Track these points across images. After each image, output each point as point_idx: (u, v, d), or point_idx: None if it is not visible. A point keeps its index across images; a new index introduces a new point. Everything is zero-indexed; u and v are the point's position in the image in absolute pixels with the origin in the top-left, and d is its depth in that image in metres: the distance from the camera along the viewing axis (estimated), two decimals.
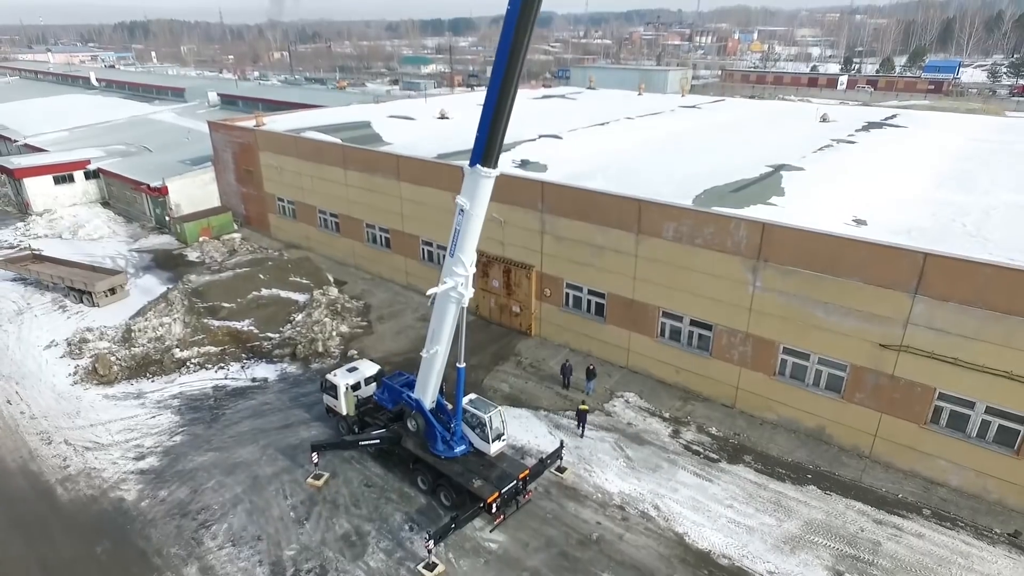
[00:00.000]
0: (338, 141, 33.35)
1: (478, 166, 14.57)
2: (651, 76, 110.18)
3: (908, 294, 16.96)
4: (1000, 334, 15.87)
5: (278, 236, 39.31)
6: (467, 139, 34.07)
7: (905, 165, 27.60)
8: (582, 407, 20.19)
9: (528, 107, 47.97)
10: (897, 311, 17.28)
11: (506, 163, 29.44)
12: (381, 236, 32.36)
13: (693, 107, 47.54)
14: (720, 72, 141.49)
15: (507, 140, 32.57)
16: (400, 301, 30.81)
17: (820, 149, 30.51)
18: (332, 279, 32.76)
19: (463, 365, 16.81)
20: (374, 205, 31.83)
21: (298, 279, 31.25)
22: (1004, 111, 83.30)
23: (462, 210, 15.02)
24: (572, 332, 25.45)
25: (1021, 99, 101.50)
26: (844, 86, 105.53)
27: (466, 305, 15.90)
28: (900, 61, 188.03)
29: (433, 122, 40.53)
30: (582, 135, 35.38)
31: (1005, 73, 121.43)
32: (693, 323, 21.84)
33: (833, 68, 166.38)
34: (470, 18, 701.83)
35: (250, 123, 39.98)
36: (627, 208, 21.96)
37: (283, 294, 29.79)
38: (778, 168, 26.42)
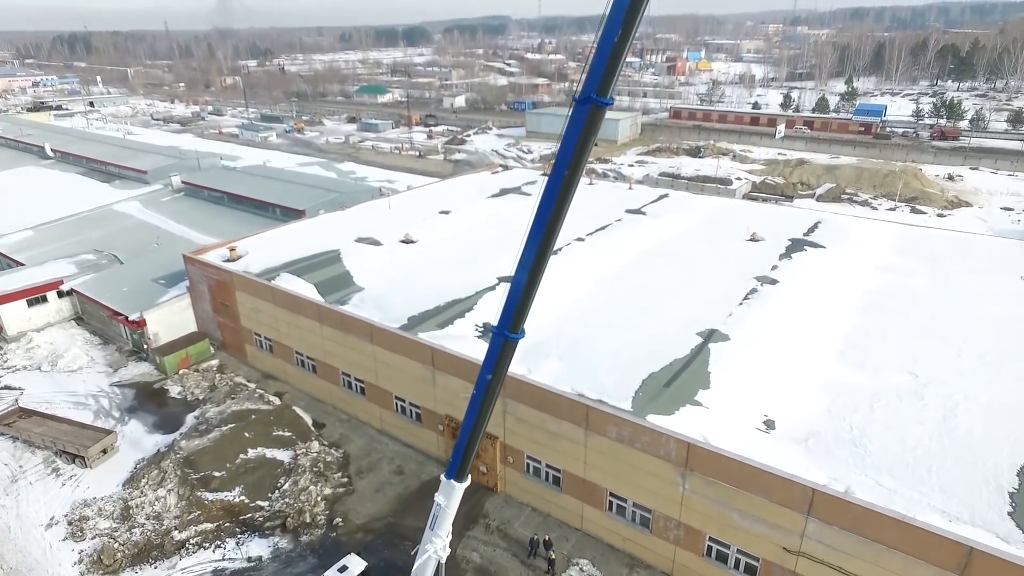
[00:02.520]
0: (313, 296, 35.98)
1: (452, 481, 17.63)
2: (604, 125, 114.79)
3: (803, 514, 20.96)
4: (870, 554, 19.97)
5: (255, 365, 41.68)
6: (434, 282, 37.16)
7: (815, 321, 31.95)
8: None
9: (482, 214, 51.00)
10: (795, 525, 21.27)
11: (469, 325, 32.74)
12: (356, 384, 35.22)
13: (639, 212, 51.49)
14: (669, 109, 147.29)
15: (467, 290, 35.82)
16: (377, 449, 33.77)
17: (745, 298, 34.66)
18: (311, 424, 35.52)
19: None
20: (349, 358, 34.67)
21: (281, 432, 33.87)
22: (920, 166, 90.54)
23: (439, 504, 18.12)
24: (533, 495, 28.92)
25: (939, 145, 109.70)
26: (782, 134, 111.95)
27: (444, 559, 19.08)
28: (836, 86, 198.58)
29: (399, 250, 43.31)
30: None
31: (927, 115, 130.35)
32: (635, 505, 25.56)
33: (775, 96, 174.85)
34: (423, 27, 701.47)
35: (223, 253, 42.25)
36: (577, 409, 25.52)
37: (268, 454, 32.39)
38: (707, 338, 30.38)
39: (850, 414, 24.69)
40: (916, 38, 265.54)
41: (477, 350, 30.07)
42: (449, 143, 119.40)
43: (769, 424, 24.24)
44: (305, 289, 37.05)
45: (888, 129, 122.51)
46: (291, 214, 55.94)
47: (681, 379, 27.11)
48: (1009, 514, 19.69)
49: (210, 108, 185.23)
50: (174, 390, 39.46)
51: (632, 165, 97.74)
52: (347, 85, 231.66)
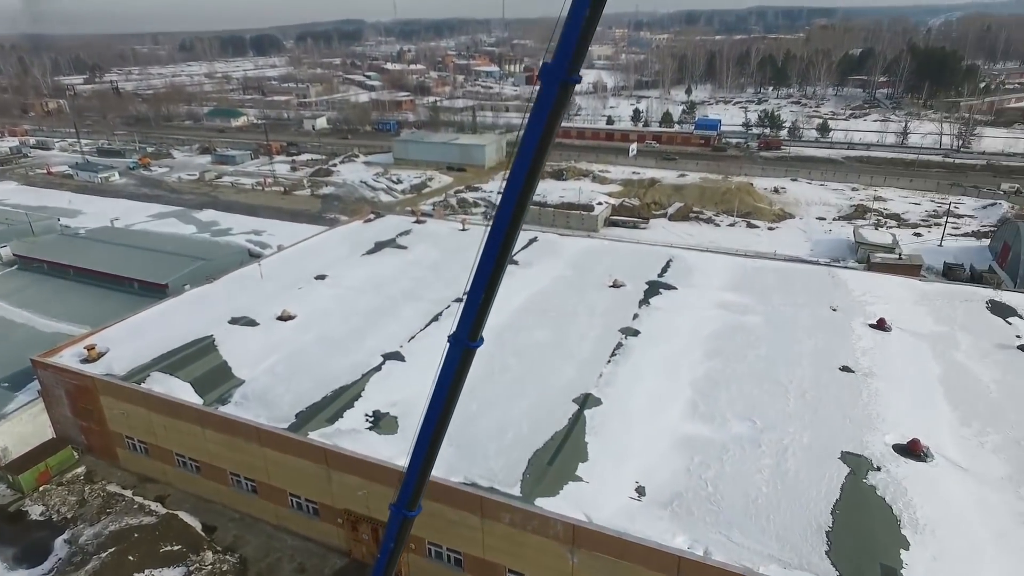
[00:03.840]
0: (191, 399, 34.85)
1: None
2: (469, 150, 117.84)
3: None
4: None
5: (129, 468, 39.39)
6: (318, 366, 37.20)
7: (671, 372, 36.16)
8: None
9: (358, 277, 51.01)
10: None
11: (359, 415, 33.48)
12: (247, 483, 34.68)
13: (511, 261, 54.24)
14: None
15: (353, 373, 36.29)
16: (275, 547, 33.55)
17: (613, 355, 38.29)
18: (201, 529, 34.49)
19: None
20: (237, 459, 34.07)
21: (170, 547, 32.64)
22: (752, 179, 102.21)
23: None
24: None
25: (766, 155, 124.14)
26: (635, 152, 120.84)
27: None
28: (678, 94, 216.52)
29: (278, 329, 42.68)
30: (416, 351, 39.71)
31: (754, 124, 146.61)
32: None
33: (626, 107, 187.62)
34: (273, 33, 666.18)
35: (79, 351, 39.45)
36: (471, 499, 27.39)
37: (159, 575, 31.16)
38: (582, 404, 33.47)
39: (704, 470, 28.64)
40: (742, 46, 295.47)
41: (370, 444, 31.13)
42: (315, 175, 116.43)
43: (640, 491, 27.55)
44: (180, 390, 35.77)
45: (724, 141, 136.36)
46: (151, 290, 52.75)
47: (562, 454, 29.83)
48: (826, 553, 24.21)
49: (33, 141, 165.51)
50: (35, 511, 36.44)
51: (501, 192, 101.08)
52: (195, 105, 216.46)
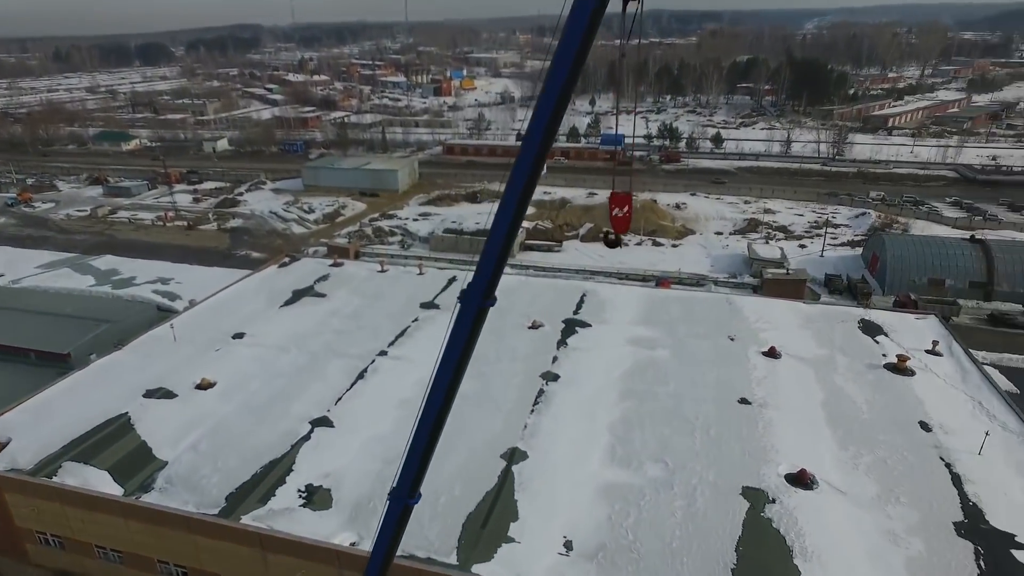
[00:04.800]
0: (110, 490, 33.80)
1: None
2: (382, 176, 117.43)
3: None
4: None
5: (41, 562, 37.53)
6: (245, 439, 36.86)
7: (590, 417, 38.71)
8: None
9: (278, 333, 50.20)
10: None
11: (291, 492, 33.72)
12: (177, 571, 34.08)
13: (433, 305, 55.42)
14: (442, 144, 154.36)
15: (282, 444, 36.24)
16: None
17: (536, 403, 40.43)
18: None
19: None
20: (165, 547, 33.43)
21: None
22: (655, 195, 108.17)
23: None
24: None
25: (667, 168, 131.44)
26: (544, 170, 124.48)
27: None
28: (583, 104, 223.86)
29: (198, 400, 41.79)
30: (344, 415, 40.19)
31: (655, 136, 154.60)
32: None
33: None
34: (161, 40, 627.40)
35: None
36: (411, 572, 28.57)
37: None
38: (510, 459, 35.30)
39: (624, 518, 31.20)
40: (640, 53, 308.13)
41: (306, 523, 31.57)
42: (221, 206, 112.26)
43: (568, 546, 29.70)
44: (97, 480, 34.59)
45: (628, 154, 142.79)
46: (51, 361, 49.80)
47: (494, 515, 31.52)
48: None
49: None
50: None
51: (417, 219, 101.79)
52: (79, 126, 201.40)
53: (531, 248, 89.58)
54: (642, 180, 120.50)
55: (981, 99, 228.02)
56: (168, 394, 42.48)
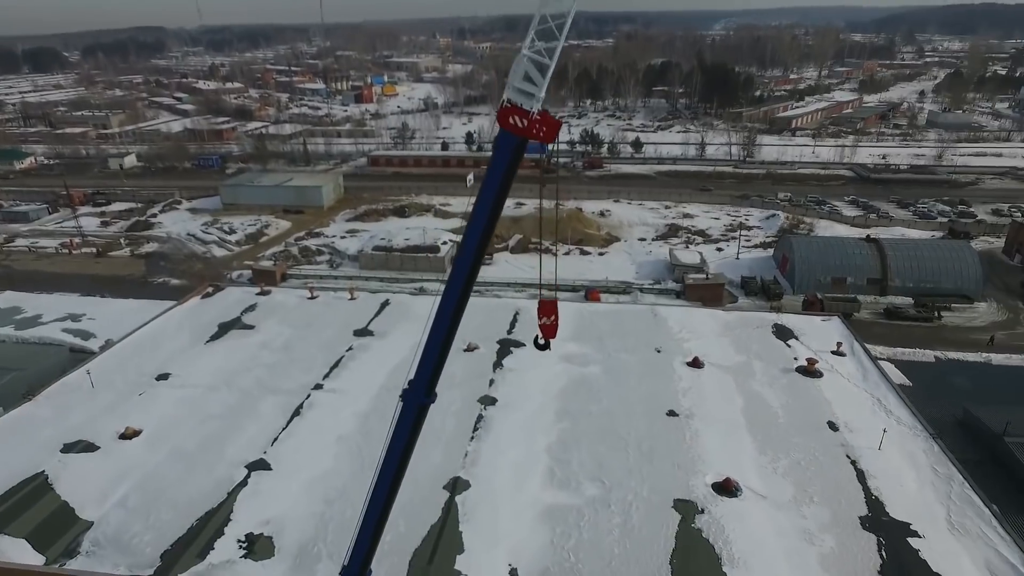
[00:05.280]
0: (31, 562, 32.01)
1: None
2: (306, 192, 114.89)
3: None
4: None
5: None
6: (177, 490, 35.85)
7: (529, 439, 39.92)
8: None
9: (206, 371, 48.73)
10: None
11: (231, 543, 33.04)
12: None
13: (366, 331, 55.18)
14: (367, 156, 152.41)
15: (218, 492, 35.50)
16: None
17: (475, 430, 41.27)
18: None
19: None
20: None
21: None
22: (580, 203, 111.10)
23: None
24: None
25: (590, 175, 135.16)
26: (472, 181, 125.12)
27: None
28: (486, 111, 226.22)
29: (122, 450, 40.00)
30: (281, 456, 39.72)
31: (578, 142, 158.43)
32: None
33: (459, 127, 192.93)
34: (53, 45, 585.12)
35: None
36: None
37: None
38: (452, 490, 35.97)
39: (566, 540, 32.53)
40: (560, 56, 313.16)
41: (248, 575, 31.10)
42: (133, 229, 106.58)
43: (513, 573, 30.73)
44: (14, 549, 32.68)
45: (552, 161, 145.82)
46: None
47: (440, 549, 32.12)
48: None
49: None
50: None
51: (344, 236, 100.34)
52: None
53: None
54: (567, 188, 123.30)
55: (871, 99, 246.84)
56: (89, 447, 40.46)
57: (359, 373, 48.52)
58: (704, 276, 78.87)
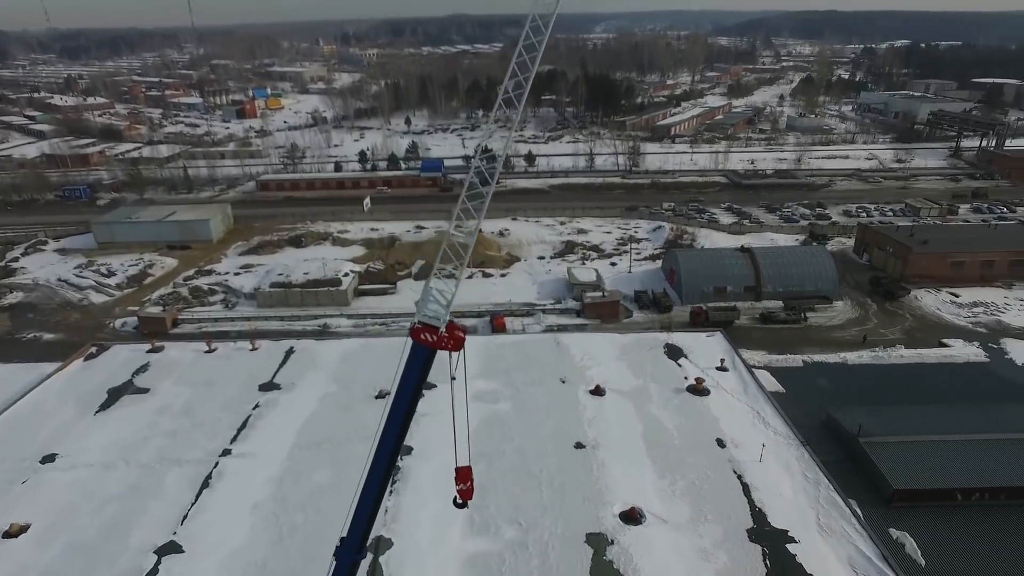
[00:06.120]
0: None
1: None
2: (194, 226, 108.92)
3: None
4: None
5: None
6: None
7: (446, 488, 41.23)
8: None
9: (97, 447, 45.88)
10: None
11: None
12: None
13: (273, 385, 54.06)
14: (256, 181, 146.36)
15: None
16: None
17: (393, 483, 42.05)
18: None
19: None
20: None
21: None
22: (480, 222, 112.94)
23: None
24: None
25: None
26: (369, 206, 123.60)
27: None
28: (398, 123, 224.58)
29: (8, 551, 37.19)
30: (194, 535, 38.55)
31: (472, 157, 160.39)
32: None
33: (350, 144, 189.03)
34: None
35: None
36: None
37: None
38: (376, 552, 36.69)
39: (519, 550, 34.30)
40: (448, 64, 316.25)
41: None
42: None
43: None
44: None
45: (449, 179, 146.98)
46: None
47: None
48: None
49: None
50: None
51: (239, 272, 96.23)
52: None
53: (365, 293, 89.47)
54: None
55: (739, 103, 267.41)
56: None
57: (268, 433, 47.72)
58: (601, 294, 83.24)
